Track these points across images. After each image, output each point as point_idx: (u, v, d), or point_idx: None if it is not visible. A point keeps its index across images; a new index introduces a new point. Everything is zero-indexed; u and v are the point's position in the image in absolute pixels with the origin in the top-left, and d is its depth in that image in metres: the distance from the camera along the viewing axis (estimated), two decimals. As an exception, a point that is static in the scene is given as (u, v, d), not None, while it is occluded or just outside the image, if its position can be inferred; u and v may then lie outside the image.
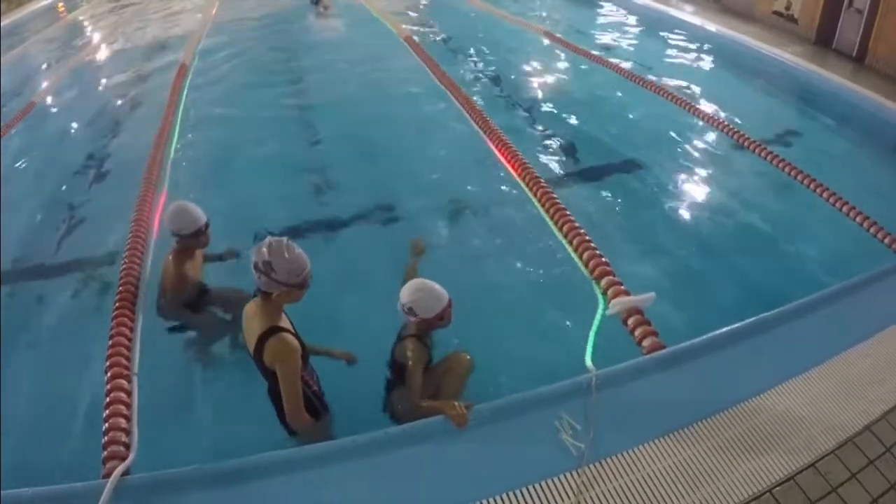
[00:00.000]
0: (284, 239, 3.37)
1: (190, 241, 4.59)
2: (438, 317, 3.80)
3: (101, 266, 6.03)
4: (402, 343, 3.89)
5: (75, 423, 4.27)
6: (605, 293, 4.69)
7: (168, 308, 4.77)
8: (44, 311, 5.63)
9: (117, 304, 4.76)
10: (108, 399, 3.86)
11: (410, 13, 16.53)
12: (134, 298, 4.88)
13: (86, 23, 21.84)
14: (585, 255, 5.10)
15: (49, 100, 12.23)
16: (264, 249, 3.30)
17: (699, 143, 8.11)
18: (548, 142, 8.12)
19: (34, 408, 4.52)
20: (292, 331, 3.49)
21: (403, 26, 14.00)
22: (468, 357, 4.06)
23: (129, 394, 3.95)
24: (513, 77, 10.85)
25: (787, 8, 12.61)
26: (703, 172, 7.51)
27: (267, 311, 3.40)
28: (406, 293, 3.80)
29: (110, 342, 4.35)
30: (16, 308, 5.62)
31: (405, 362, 3.78)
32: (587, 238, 5.30)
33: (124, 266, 5.28)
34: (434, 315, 3.78)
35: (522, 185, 6.50)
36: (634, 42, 13.19)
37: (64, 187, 7.88)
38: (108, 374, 4.06)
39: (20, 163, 8.75)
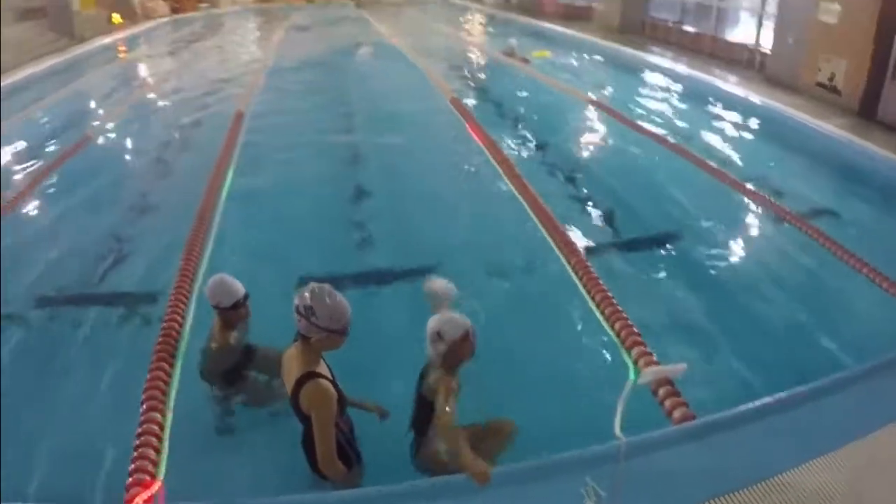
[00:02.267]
0: (327, 285, 3.46)
1: (229, 313, 4.60)
2: (463, 338, 3.75)
3: (142, 303, 6.26)
4: (429, 376, 3.83)
5: (102, 449, 4.40)
6: (635, 362, 4.73)
7: (211, 372, 4.78)
8: (81, 340, 5.84)
9: (160, 340, 4.96)
10: (140, 429, 4.03)
11: (458, 74, 17.05)
12: (178, 335, 5.08)
13: (144, 63, 23.01)
14: (617, 325, 5.16)
15: (105, 135, 12.96)
16: (307, 294, 3.40)
17: (738, 216, 8.15)
18: (587, 209, 8.24)
19: (63, 431, 4.69)
20: (330, 377, 3.54)
21: (450, 87, 14.43)
22: (513, 424, 4.11)
23: (161, 427, 4.11)
24: (555, 142, 11.04)
25: (831, 79, 12.68)
26: (740, 245, 7.55)
27: (306, 355, 3.48)
28: (432, 322, 3.79)
29: (149, 375, 4.53)
30: (54, 333, 5.92)
31: (433, 395, 3.73)
32: (619, 308, 5.36)
33: (170, 304, 5.53)
34: (460, 335, 3.73)
35: (557, 251, 6.60)
36: (678, 112, 13.36)
37: (113, 221, 8.27)
38: (144, 406, 4.22)
39: (73, 193, 9.23)
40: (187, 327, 5.25)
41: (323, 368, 3.55)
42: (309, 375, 3.42)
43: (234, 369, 4.76)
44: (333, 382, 3.55)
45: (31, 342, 5.85)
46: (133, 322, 6.06)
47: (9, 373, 5.33)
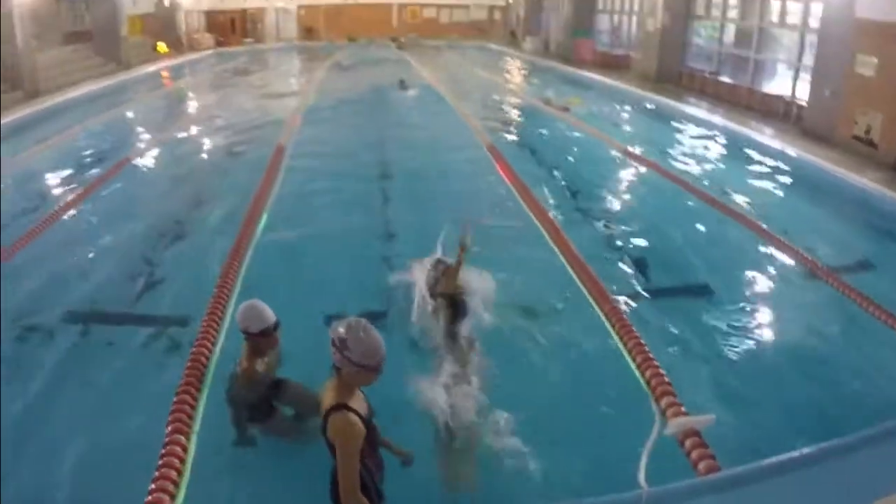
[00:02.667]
0: (364, 320, 3.47)
1: (258, 339, 4.55)
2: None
3: (172, 325, 6.51)
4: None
5: (123, 466, 4.57)
6: (664, 412, 4.80)
7: (236, 400, 4.69)
8: (111, 356, 6.09)
9: (189, 364, 5.13)
10: (163, 451, 4.18)
11: (494, 119, 17.43)
12: (207, 360, 5.24)
13: (188, 93, 23.81)
14: (648, 373, 5.24)
15: (145, 159, 13.61)
16: (342, 327, 3.42)
17: (770, 269, 8.16)
18: (620, 257, 8.29)
19: (86, 444, 4.86)
20: (364, 413, 3.54)
21: (486, 132, 14.72)
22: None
23: (184, 449, 4.25)
24: (589, 189, 11.17)
25: (867, 132, 12.69)
26: (771, 298, 7.53)
27: (338, 388, 3.49)
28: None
29: (176, 398, 4.67)
30: (86, 347, 6.21)
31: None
32: (650, 355, 5.44)
33: (202, 330, 5.75)
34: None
35: (589, 297, 6.70)
36: (713, 162, 13.43)
37: (147, 244, 8.66)
38: (169, 428, 4.35)
39: (110, 213, 9.74)
40: (216, 353, 5.41)
41: (356, 402, 3.53)
42: (337, 407, 3.43)
43: (262, 401, 4.72)
44: (367, 419, 3.55)
45: (60, 355, 6.13)
46: (162, 344, 6.29)
47: (35, 382, 5.62)
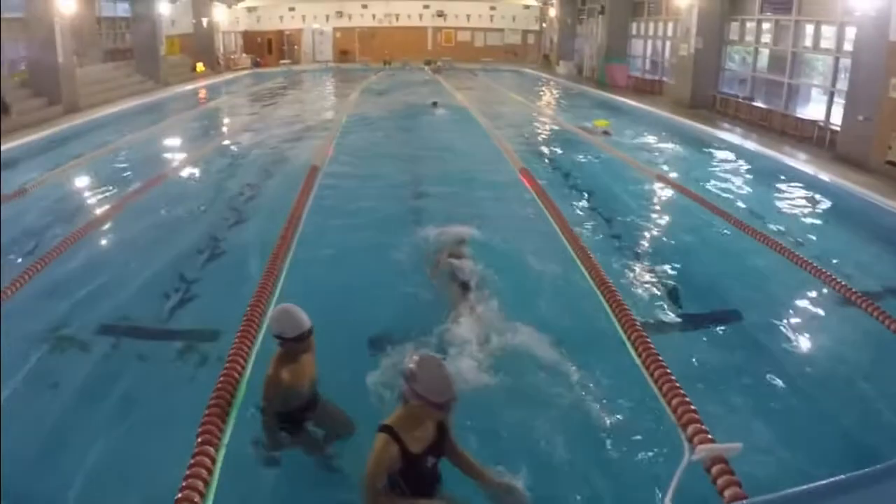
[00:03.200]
0: (438, 357, 3.62)
1: (292, 345, 4.52)
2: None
3: (203, 340, 6.63)
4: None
5: (148, 476, 4.69)
6: (690, 439, 4.81)
7: (268, 409, 4.68)
8: (141, 369, 6.24)
9: (222, 378, 5.14)
10: (192, 461, 4.22)
11: (527, 143, 17.63)
12: (239, 376, 5.27)
13: (225, 112, 24.34)
14: (675, 401, 5.25)
15: (181, 176, 14.05)
16: (416, 357, 3.56)
17: (803, 296, 8.10)
18: (650, 282, 8.29)
19: (111, 454, 5.00)
20: (413, 446, 3.61)
21: (519, 156, 14.87)
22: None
23: (213, 460, 4.29)
24: (621, 215, 11.17)
25: (901, 157, 12.59)
26: (803, 325, 7.47)
27: (399, 414, 3.63)
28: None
29: (207, 411, 4.69)
30: (116, 360, 6.36)
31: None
32: (677, 383, 5.45)
33: (235, 343, 5.79)
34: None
35: (617, 323, 6.72)
36: (746, 189, 13.35)
37: (181, 259, 8.84)
38: (199, 440, 4.39)
39: (144, 227, 10.01)
40: (249, 367, 5.48)
41: (414, 434, 3.63)
42: (383, 428, 3.59)
43: (294, 413, 4.68)
44: (417, 453, 3.64)
45: (90, 367, 6.29)
46: (192, 358, 6.42)
47: (64, 392, 5.80)
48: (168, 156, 16.45)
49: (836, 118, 15.87)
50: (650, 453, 5.07)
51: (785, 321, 7.47)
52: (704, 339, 6.98)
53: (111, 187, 12.57)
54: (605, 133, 17.81)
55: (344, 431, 4.92)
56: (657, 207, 12.12)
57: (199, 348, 6.55)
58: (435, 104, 23.37)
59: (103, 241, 9.75)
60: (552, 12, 41.53)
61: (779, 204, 12.20)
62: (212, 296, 7.86)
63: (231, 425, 4.66)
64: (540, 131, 20.28)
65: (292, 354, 4.58)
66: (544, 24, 45.30)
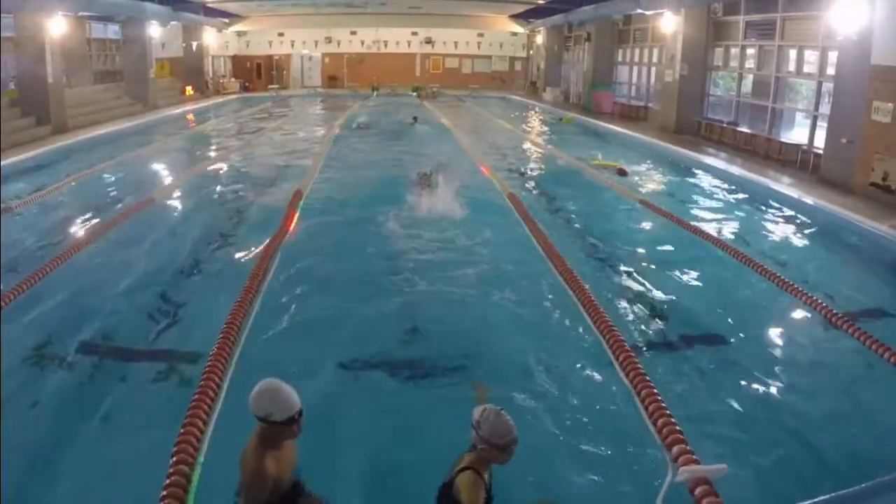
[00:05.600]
0: (499, 408, 3.89)
1: (278, 429, 3.81)
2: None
3: (183, 361, 6.59)
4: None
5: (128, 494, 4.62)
6: (675, 460, 4.76)
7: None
8: (122, 390, 6.17)
9: (196, 395, 5.16)
10: (168, 481, 4.19)
11: (514, 169, 17.70)
12: (214, 394, 5.27)
13: (212, 135, 24.45)
14: (660, 422, 5.21)
15: (168, 199, 14.00)
16: (480, 409, 3.89)
17: (787, 318, 8.13)
18: (637, 306, 8.23)
19: (92, 474, 4.94)
20: (487, 487, 3.86)
21: (506, 181, 14.88)
22: None
23: (189, 480, 4.27)
24: (606, 240, 11.12)
25: (885, 179, 12.68)
26: (788, 347, 7.43)
27: (472, 459, 3.86)
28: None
29: (182, 430, 4.67)
30: (98, 381, 6.31)
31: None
32: (663, 404, 5.41)
33: (209, 365, 5.84)
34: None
35: (606, 346, 6.69)
36: (730, 212, 13.39)
37: (164, 282, 8.80)
38: (174, 459, 4.36)
39: (130, 250, 9.99)
40: (224, 388, 5.48)
41: (482, 472, 3.86)
42: (470, 468, 3.81)
43: None
44: (488, 492, 3.86)
45: (70, 384, 6.25)
46: (172, 379, 6.36)
47: (44, 410, 5.75)
48: (156, 179, 16.42)
49: (820, 142, 16.03)
50: (634, 473, 5.02)
51: (769, 343, 7.48)
52: (689, 361, 6.92)
53: (96, 209, 12.49)
54: (622, 172, 16.74)
55: None
56: (641, 231, 12.11)
57: (178, 369, 6.48)
58: (415, 120, 24.59)
59: (88, 261, 9.63)
60: (539, 39, 41.95)
61: (763, 227, 12.26)
62: (191, 319, 7.74)
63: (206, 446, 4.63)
64: (526, 157, 20.33)
65: (277, 440, 3.89)
66: (531, 52, 45.73)
